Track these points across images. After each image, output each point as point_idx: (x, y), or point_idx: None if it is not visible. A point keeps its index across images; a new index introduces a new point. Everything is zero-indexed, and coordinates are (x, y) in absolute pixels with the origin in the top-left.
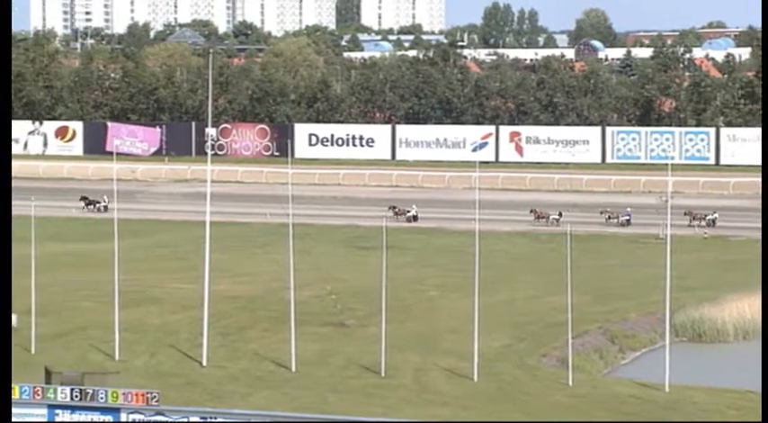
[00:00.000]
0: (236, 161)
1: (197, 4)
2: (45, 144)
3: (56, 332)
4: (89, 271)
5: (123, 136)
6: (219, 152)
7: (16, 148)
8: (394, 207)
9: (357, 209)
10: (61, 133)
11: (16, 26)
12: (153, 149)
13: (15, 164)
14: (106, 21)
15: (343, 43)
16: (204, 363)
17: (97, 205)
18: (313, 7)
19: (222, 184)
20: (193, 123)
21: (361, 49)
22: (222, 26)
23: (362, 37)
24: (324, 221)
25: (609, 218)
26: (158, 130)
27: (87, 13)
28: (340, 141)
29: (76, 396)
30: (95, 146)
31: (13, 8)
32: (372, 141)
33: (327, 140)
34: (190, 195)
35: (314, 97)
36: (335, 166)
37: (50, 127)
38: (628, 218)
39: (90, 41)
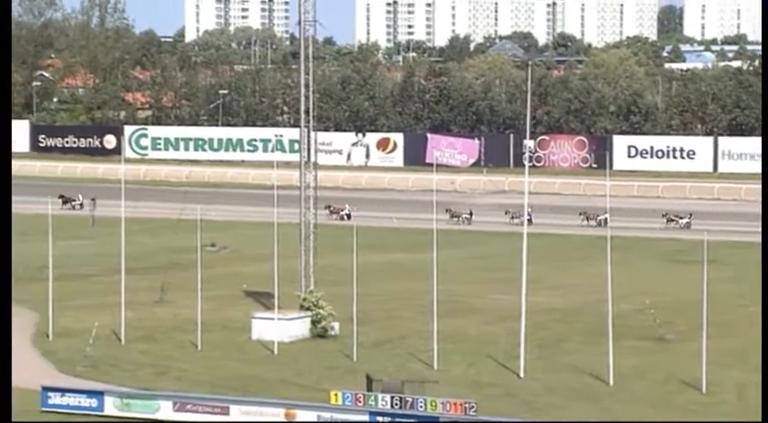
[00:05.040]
0: (554, 173)
1: (517, 17)
2: (367, 155)
3: (376, 340)
4: (408, 281)
5: (443, 147)
6: (537, 164)
7: (340, 159)
8: (329, 206)
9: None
10: (383, 145)
11: (341, 40)
12: (471, 161)
13: (339, 175)
14: (428, 34)
15: (665, 54)
16: (521, 374)
17: (73, 203)
18: (634, 18)
19: (540, 196)
20: (511, 135)
21: (683, 60)
22: (542, 38)
23: (684, 47)
24: (643, 234)
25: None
26: (477, 141)
27: (410, 26)
28: (660, 153)
29: (396, 404)
30: (415, 157)
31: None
32: (693, 153)
33: (647, 152)
34: (507, 206)
35: (632, 109)
36: (655, 178)
37: (372, 138)
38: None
39: (412, 54)
